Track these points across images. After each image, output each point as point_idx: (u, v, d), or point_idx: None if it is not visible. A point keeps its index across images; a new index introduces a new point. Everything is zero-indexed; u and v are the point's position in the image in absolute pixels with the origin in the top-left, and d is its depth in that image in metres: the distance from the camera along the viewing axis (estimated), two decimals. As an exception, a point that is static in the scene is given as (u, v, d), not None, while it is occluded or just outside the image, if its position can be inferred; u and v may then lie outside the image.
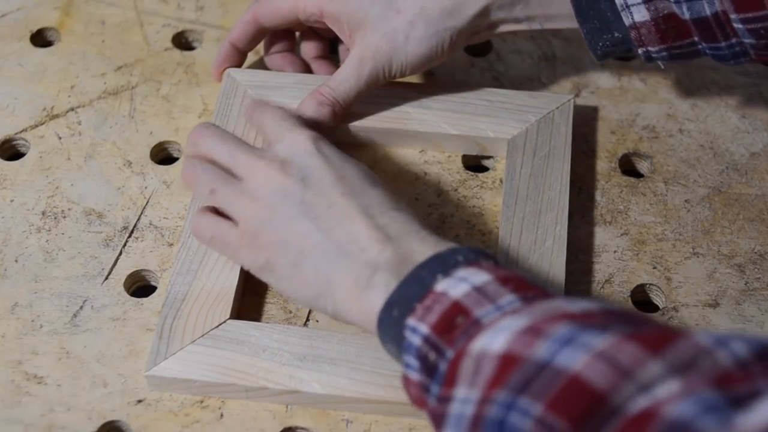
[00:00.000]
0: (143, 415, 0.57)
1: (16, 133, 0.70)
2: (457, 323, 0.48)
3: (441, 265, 0.50)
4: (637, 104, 0.72)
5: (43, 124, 0.71)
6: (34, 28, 0.77)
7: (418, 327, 0.49)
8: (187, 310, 0.59)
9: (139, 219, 0.66)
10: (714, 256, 0.65)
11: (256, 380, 0.57)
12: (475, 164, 0.70)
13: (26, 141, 0.70)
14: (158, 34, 0.76)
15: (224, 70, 0.71)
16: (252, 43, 0.71)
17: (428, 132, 0.68)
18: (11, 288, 0.62)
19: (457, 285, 0.49)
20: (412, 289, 0.50)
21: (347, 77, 0.65)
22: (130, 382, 0.58)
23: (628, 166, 0.70)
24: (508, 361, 0.43)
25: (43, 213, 0.66)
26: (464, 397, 0.44)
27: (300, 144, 0.58)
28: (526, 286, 0.49)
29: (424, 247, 0.52)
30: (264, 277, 0.57)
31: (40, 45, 0.76)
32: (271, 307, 0.62)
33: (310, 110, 0.65)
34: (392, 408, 0.57)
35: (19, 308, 0.61)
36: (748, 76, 0.74)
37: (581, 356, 0.41)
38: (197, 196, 0.62)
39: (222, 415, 0.57)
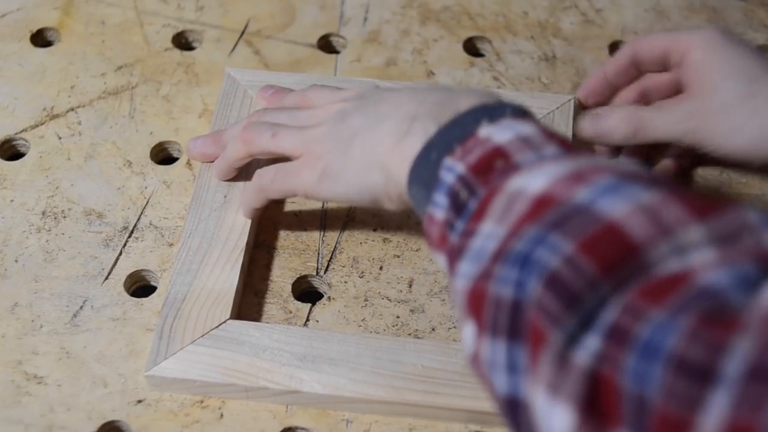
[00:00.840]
0: (143, 415, 0.57)
1: (16, 133, 0.70)
2: (495, 166, 0.46)
3: (487, 113, 0.49)
4: (637, 104, 0.72)
5: (43, 124, 0.71)
6: (34, 28, 0.77)
7: (455, 166, 0.47)
8: (187, 310, 0.59)
9: (139, 219, 0.66)
10: (714, 256, 0.65)
11: (256, 380, 0.57)
12: (475, 164, 0.70)
13: (26, 141, 0.70)
14: (158, 34, 0.76)
15: (592, 103, 0.68)
16: (627, 78, 0.66)
17: (428, 132, 0.68)
18: (11, 288, 0.62)
19: (501, 132, 0.47)
20: (454, 133, 0.48)
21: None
22: (130, 382, 0.58)
23: (628, 166, 0.70)
24: (544, 202, 0.41)
25: (43, 213, 0.66)
26: (490, 232, 0.43)
27: (360, 86, 0.60)
28: (571, 145, 0.47)
29: (469, 97, 0.51)
30: (324, 188, 0.56)
31: (40, 45, 0.76)
32: (271, 307, 0.62)
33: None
34: (392, 408, 0.57)
35: (19, 308, 0.61)
36: (748, 76, 0.74)
37: (623, 205, 0.40)
38: (258, 149, 0.60)
39: (222, 415, 0.57)
